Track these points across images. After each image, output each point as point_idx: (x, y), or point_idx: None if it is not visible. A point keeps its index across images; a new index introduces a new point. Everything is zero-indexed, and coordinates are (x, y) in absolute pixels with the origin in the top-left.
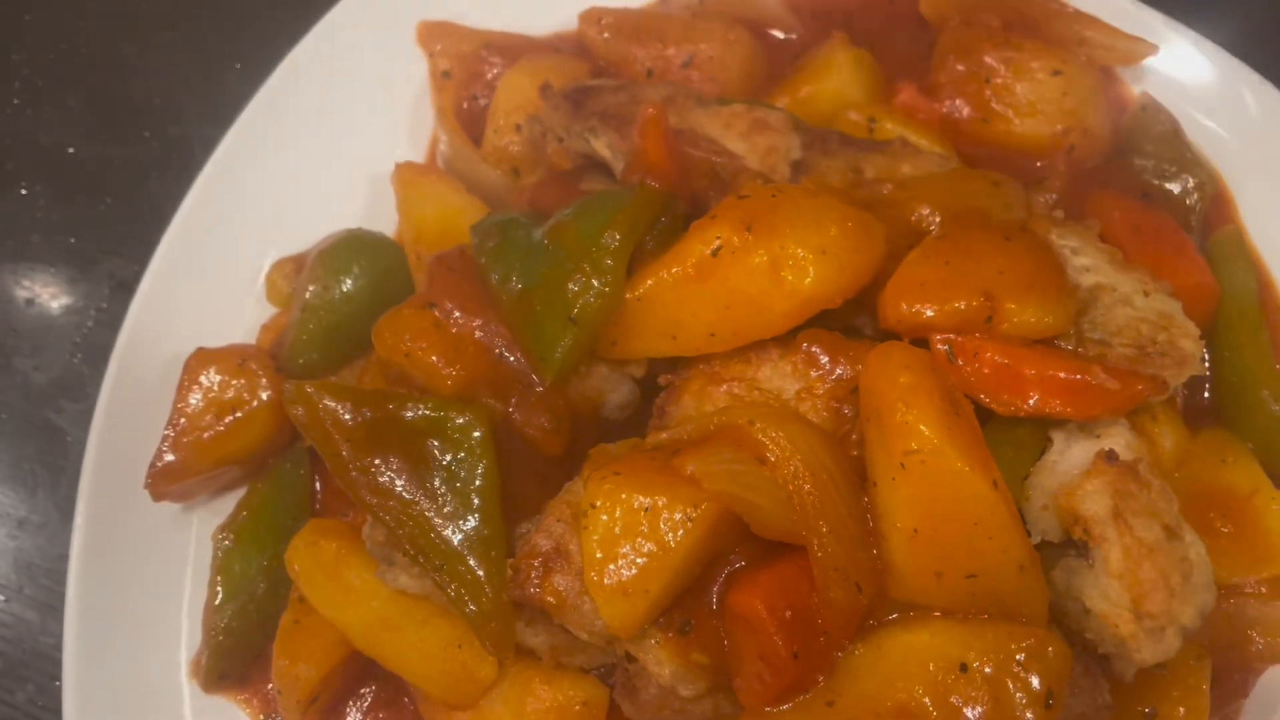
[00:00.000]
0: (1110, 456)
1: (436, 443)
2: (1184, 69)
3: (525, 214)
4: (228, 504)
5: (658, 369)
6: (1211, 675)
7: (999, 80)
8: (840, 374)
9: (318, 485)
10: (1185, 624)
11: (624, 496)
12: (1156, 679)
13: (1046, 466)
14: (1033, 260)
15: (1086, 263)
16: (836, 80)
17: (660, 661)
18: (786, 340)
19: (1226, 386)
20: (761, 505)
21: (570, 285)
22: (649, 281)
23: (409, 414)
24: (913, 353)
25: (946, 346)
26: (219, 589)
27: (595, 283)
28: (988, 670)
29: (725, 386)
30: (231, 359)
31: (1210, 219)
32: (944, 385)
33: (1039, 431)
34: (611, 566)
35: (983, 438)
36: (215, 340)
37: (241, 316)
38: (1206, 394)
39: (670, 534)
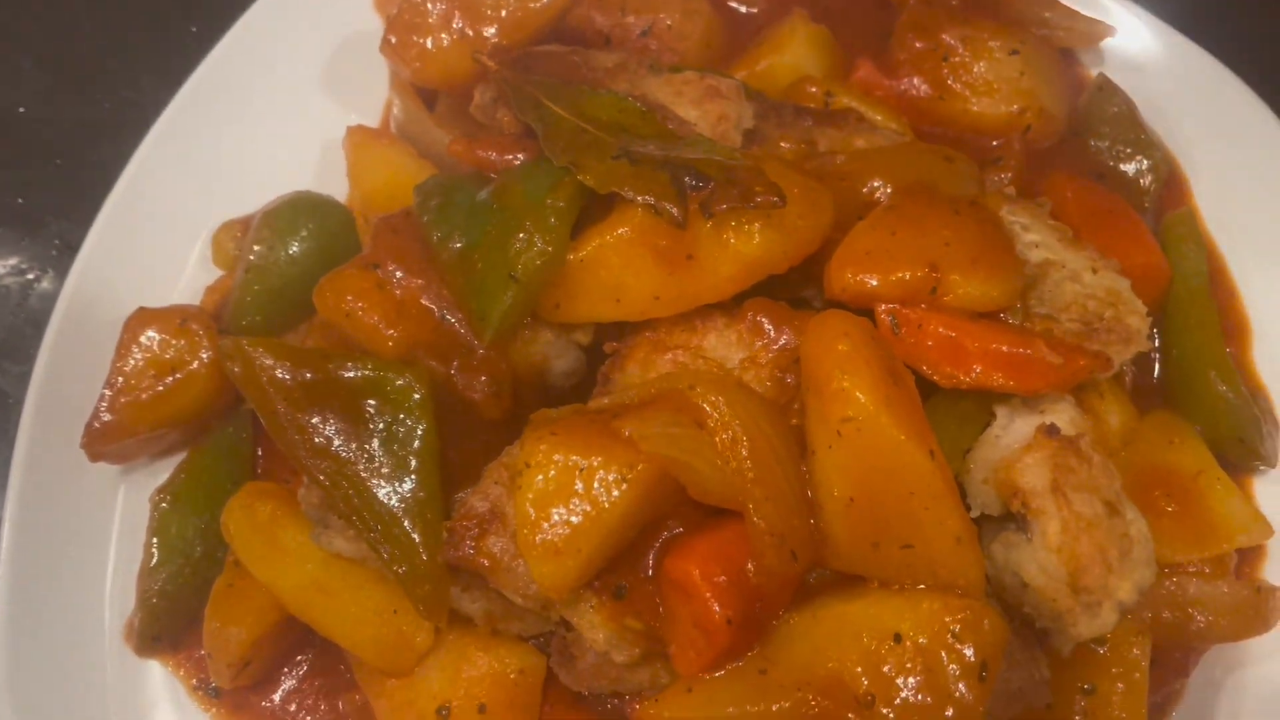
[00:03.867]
0: (1051, 430)
1: (375, 403)
2: (1141, 51)
3: (470, 175)
4: (169, 468)
5: (604, 336)
6: (1152, 653)
7: (956, 58)
8: (785, 343)
9: (259, 452)
10: (1122, 599)
11: (559, 457)
12: (1096, 656)
13: (989, 440)
14: (980, 234)
15: (1036, 239)
16: (794, 54)
17: (594, 626)
18: (732, 309)
19: (1174, 368)
20: (700, 469)
21: (513, 243)
22: (593, 243)
23: (348, 374)
24: (851, 320)
25: (890, 317)
26: (154, 551)
27: (538, 241)
28: (921, 641)
29: (670, 355)
30: (172, 319)
31: (1164, 201)
32: (883, 354)
33: (983, 406)
34: (545, 525)
35: (921, 408)
36: (160, 303)
37: (187, 279)
38: (1156, 375)
39: (604, 494)
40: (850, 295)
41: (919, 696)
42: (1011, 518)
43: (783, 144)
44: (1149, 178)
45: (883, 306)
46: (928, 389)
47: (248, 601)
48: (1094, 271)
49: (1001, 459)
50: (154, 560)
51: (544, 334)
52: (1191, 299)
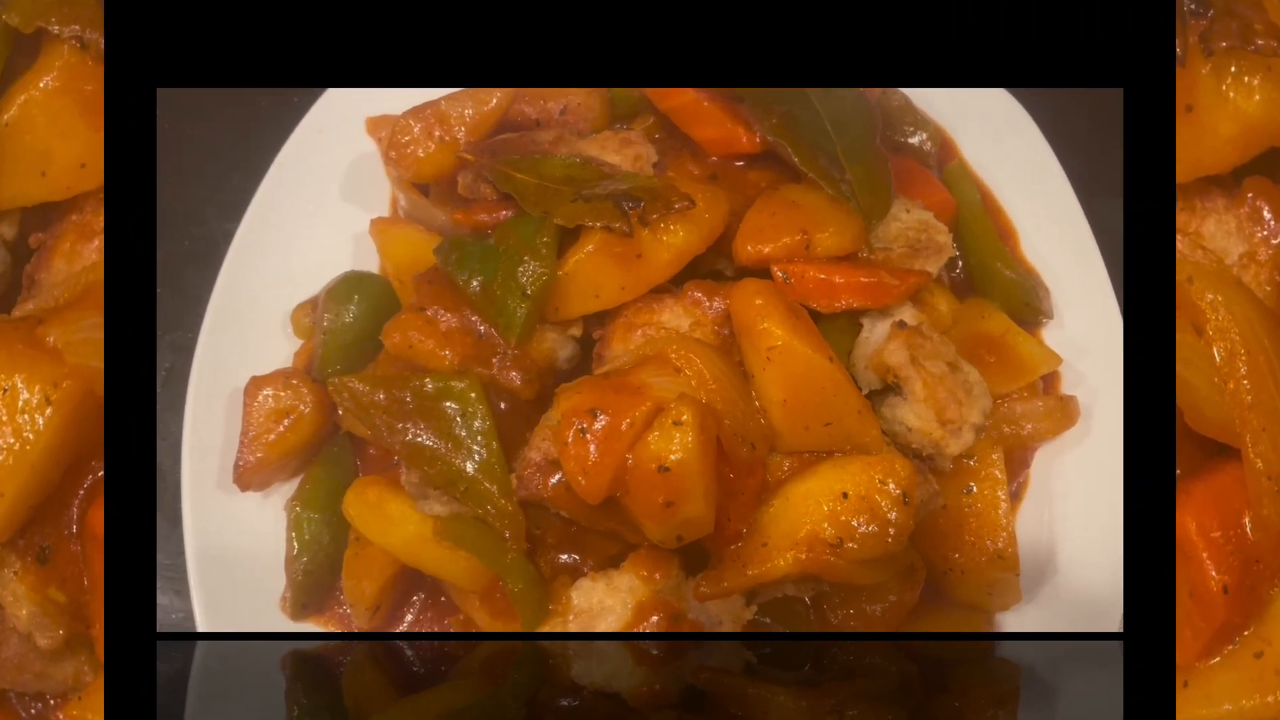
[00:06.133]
0: (900, 324)
1: (449, 404)
2: None
3: (470, 236)
4: (293, 486)
5: (591, 328)
6: (1004, 458)
7: None
8: (718, 307)
9: (358, 462)
10: (974, 422)
11: None
12: (967, 467)
13: (861, 342)
14: (826, 202)
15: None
16: None
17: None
18: (676, 291)
19: (973, 266)
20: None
21: (519, 272)
22: (573, 260)
23: (426, 387)
24: (761, 284)
25: (783, 274)
26: (294, 544)
27: (537, 267)
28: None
29: (639, 331)
30: (278, 380)
31: (940, 157)
32: (785, 300)
33: (853, 321)
34: None
35: (817, 330)
36: (264, 370)
37: (278, 349)
38: (959, 272)
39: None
40: (752, 260)
41: None
42: (889, 388)
43: (685, 164)
44: (928, 144)
45: (776, 267)
46: (815, 317)
47: (371, 561)
48: (908, 211)
49: (874, 350)
50: (294, 550)
51: (549, 334)
52: (974, 217)
